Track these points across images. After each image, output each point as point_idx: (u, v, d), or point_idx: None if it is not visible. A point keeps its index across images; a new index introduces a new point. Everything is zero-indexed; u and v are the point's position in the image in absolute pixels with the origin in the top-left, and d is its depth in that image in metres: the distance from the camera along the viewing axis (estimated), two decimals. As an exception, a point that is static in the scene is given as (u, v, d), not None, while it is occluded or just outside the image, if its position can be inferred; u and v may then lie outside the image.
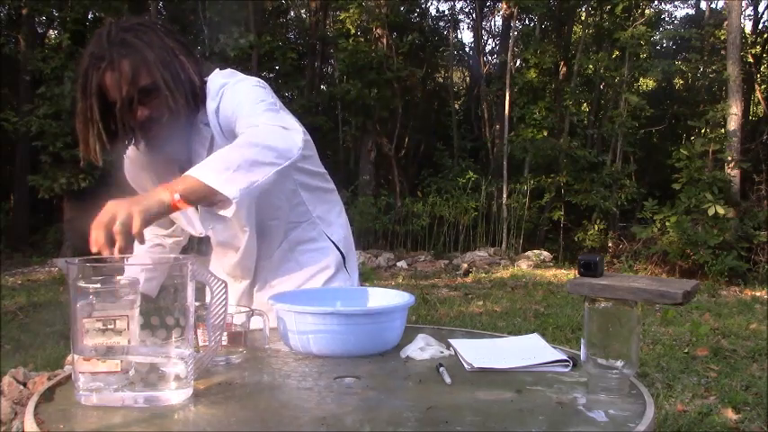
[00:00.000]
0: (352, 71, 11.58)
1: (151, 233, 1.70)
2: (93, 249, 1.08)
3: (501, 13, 13.45)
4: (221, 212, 1.23)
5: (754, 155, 11.00)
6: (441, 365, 1.10)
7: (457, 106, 14.28)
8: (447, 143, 12.50)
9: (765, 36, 13.72)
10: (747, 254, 8.54)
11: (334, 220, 1.62)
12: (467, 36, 29.61)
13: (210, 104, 1.41)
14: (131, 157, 1.52)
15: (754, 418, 3.13)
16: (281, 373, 1.10)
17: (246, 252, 1.55)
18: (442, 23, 14.72)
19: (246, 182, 1.19)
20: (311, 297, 1.35)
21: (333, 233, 1.61)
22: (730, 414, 3.16)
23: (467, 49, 16.00)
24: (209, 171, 1.18)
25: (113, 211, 1.09)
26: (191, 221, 1.55)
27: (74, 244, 9.17)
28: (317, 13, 12.74)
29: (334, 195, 1.66)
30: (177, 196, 1.15)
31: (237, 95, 1.39)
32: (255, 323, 1.25)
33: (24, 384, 2.56)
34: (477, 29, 14.10)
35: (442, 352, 1.20)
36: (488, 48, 15.86)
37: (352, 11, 11.65)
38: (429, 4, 16.04)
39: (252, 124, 1.30)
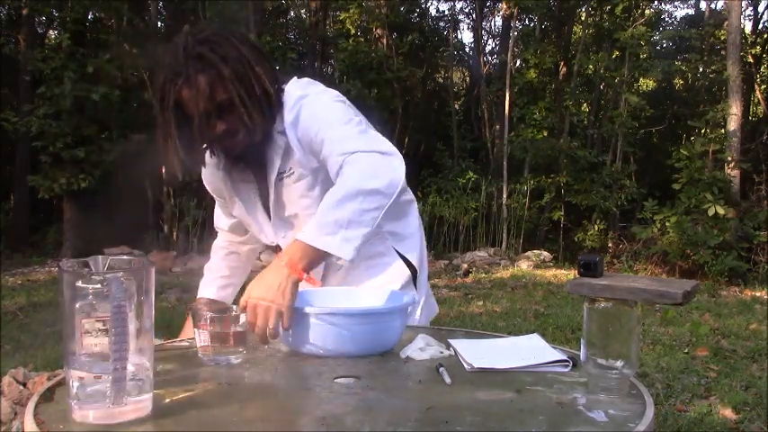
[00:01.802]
0: (352, 71, 11.58)
1: (226, 241, 1.71)
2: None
3: (501, 13, 13.45)
4: (338, 261, 1.28)
5: (754, 155, 11.00)
6: (441, 365, 1.10)
7: (457, 106, 14.27)
8: (447, 143, 12.50)
9: (765, 36, 13.72)
10: (747, 254, 8.54)
11: (408, 235, 1.56)
12: (467, 36, 29.65)
13: (288, 116, 1.39)
14: (209, 165, 1.51)
15: (754, 419, 3.13)
16: (281, 373, 1.10)
17: None
18: (442, 23, 14.73)
19: (360, 237, 1.21)
20: (311, 297, 1.35)
21: (404, 248, 1.55)
22: (730, 414, 3.16)
23: (467, 50, 16.00)
24: (321, 235, 1.20)
25: (265, 315, 1.17)
26: (263, 230, 1.54)
27: (74, 244, 9.17)
28: (317, 13, 12.74)
29: (410, 207, 1.59)
30: (305, 275, 1.20)
31: (320, 112, 1.37)
32: None
33: (24, 384, 2.56)
34: (477, 29, 14.11)
35: (441, 352, 1.20)
36: (488, 48, 15.87)
37: (352, 11, 11.65)
38: (429, 4, 16.05)
39: (347, 151, 1.28)
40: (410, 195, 1.59)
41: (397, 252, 1.55)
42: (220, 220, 1.69)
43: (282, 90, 1.42)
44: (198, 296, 1.70)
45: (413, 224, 1.59)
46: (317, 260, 1.23)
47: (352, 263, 1.24)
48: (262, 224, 1.53)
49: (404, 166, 1.29)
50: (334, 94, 1.43)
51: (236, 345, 1.17)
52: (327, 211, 1.22)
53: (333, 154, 1.31)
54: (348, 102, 1.44)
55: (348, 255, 1.21)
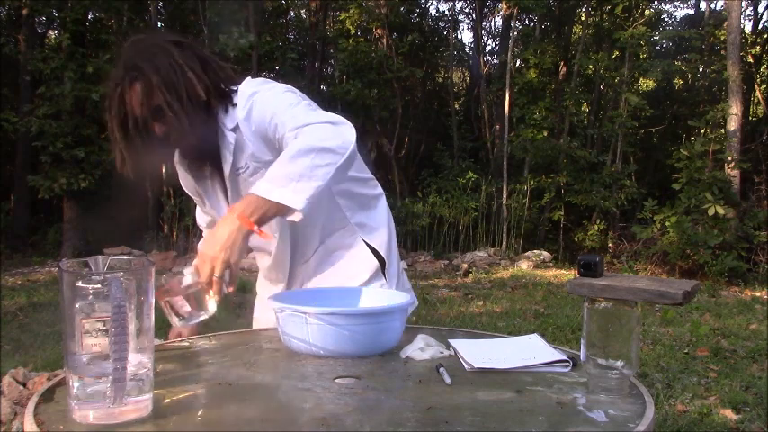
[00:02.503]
0: (352, 71, 11.58)
1: None
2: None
3: (501, 13, 13.46)
4: (289, 218, 1.28)
5: (754, 155, 11.00)
6: (441, 366, 1.10)
7: (457, 106, 14.27)
8: (447, 143, 12.50)
9: (765, 36, 13.72)
10: (747, 254, 8.54)
11: (376, 226, 1.61)
12: (467, 36, 29.62)
13: (240, 113, 1.45)
14: (180, 167, 1.60)
15: (754, 419, 3.13)
16: (281, 374, 1.10)
17: (279, 256, 1.58)
18: (442, 23, 14.73)
19: (311, 189, 1.25)
20: (311, 297, 1.35)
21: (372, 239, 1.59)
22: (730, 414, 3.16)
23: (467, 50, 16.01)
24: (273, 187, 1.24)
25: (211, 265, 1.21)
26: None
27: (74, 244, 9.17)
28: (317, 13, 12.74)
29: (378, 201, 1.64)
30: (255, 227, 1.22)
31: (271, 102, 1.43)
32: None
33: (24, 384, 2.56)
34: (477, 29, 14.11)
35: (441, 352, 1.20)
36: (488, 48, 15.88)
37: (352, 11, 11.65)
38: (429, 4, 16.07)
39: (299, 125, 1.34)
40: (378, 189, 1.65)
41: (366, 244, 1.59)
42: (200, 218, 1.76)
43: (235, 90, 1.49)
44: None
45: (381, 216, 1.63)
46: (269, 213, 1.25)
47: (303, 216, 1.26)
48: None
49: (354, 134, 1.33)
50: (284, 86, 1.50)
51: (197, 306, 1.20)
52: (279, 166, 1.28)
53: (286, 131, 1.37)
54: (299, 92, 1.50)
55: (299, 204, 1.23)
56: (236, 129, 1.46)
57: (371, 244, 1.59)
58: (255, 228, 1.23)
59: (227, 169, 1.50)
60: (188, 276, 1.23)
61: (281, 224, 1.49)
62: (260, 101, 1.45)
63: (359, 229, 1.58)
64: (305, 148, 1.27)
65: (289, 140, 1.35)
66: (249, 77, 1.54)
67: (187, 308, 1.22)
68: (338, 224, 1.57)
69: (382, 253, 1.59)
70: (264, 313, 1.69)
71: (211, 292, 1.22)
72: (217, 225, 1.26)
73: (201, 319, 1.24)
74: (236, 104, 1.47)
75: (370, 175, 1.64)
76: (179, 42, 1.47)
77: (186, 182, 1.65)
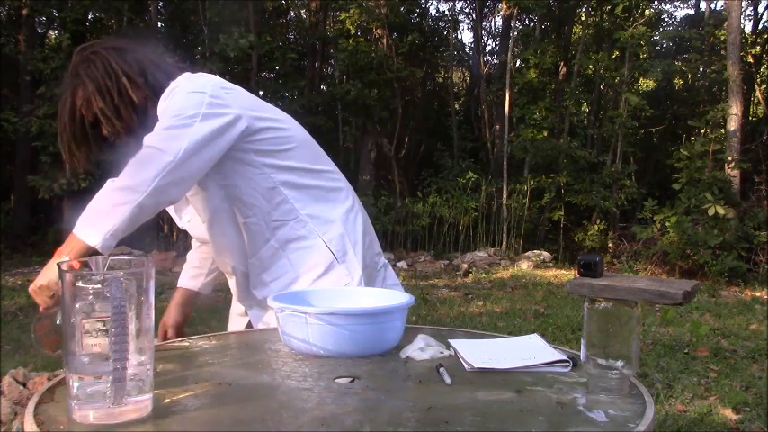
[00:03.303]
0: (352, 71, 11.58)
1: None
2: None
3: (501, 13, 13.46)
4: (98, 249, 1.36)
5: (754, 155, 11.00)
6: (441, 366, 1.10)
7: (457, 106, 14.27)
8: (447, 143, 12.51)
9: (765, 36, 13.72)
10: (747, 254, 8.54)
11: (330, 220, 1.59)
12: (467, 36, 29.62)
13: (160, 106, 1.50)
14: None
15: (754, 419, 3.13)
16: (281, 374, 1.10)
17: (217, 247, 1.63)
18: (442, 23, 14.73)
19: (110, 226, 1.34)
20: (311, 297, 1.35)
21: (325, 232, 1.58)
22: (730, 414, 3.16)
23: (467, 50, 16.02)
24: (82, 224, 1.35)
25: (36, 294, 1.33)
26: (174, 217, 1.73)
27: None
28: (317, 13, 12.74)
29: (337, 194, 1.63)
30: (65, 257, 1.31)
31: (171, 102, 1.48)
32: None
33: (24, 384, 2.56)
34: (477, 29, 14.11)
35: (442, 352, 1.20)
36: (488, 48, 15.88)
37: (352, 11, 11.65)
38: (429, 4, 16.08)
39: (143, 144, 1.42)
40: (339, 183, 1.65)
41: (319, 236, 1.59)
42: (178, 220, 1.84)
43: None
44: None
45: (337, 210, 1.61)
46: (77, 246, 1.33)
47: (104, 250, 1.34)
48: (172, 213, 1.74)
49: (168, 167, 1.38)
50: (200, 83, 1.51)
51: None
52: (93, 201, 1.38)
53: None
54: (214, 92, 1.48)
55: (93, 242, 1.33)
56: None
57: (322, 237, 1.58)
58: (66, 259, 1.29)
59: None
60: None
61: (206, 211, 1.58)
62: (168, 98, 1.49)
63: (310, 220, 1.57)
64: (112, 185, 1.38)
65: None
66: (188, 73, 1.56)
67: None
68: (287, 215, 1.56)
69: (331, 247, 1.57)
70: (235, 306, 1.77)
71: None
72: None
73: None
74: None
75: (331, 168, 1.65)
76: (120, 48, 1.54)
77: None
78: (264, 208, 1.55)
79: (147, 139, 1.42)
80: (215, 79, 1.54)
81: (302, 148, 1.60)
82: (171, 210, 1.73)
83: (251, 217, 1.55)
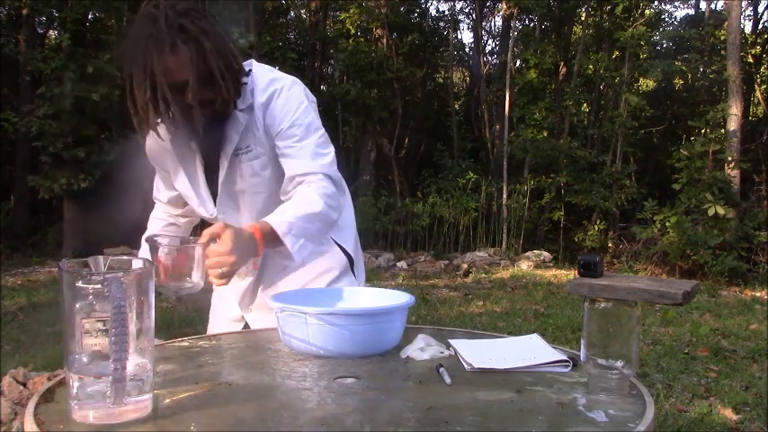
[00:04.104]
0: (352, 71, 11.58)
1: (165, 212, 1.70)
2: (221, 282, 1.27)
3: (501, 13, 13.46)
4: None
5: (754, 155, 11.00)
6: (441, 366, 1.10)
7: (457, 106, 14.27)
8: (447, 143, 12.50)
9: (765, 36, 13.72)
10: (747, 254, 8.54)
11: (343, 225, 1.61)
12: (467, 36, 29.61)
13: (259, 97, 1.45)
14: (154, 136, 1.47)
15: (754, 419, 3.13)
16: (281, 374, 1.10)
17: None
18: (442, 23, 14.72)
19: (309, 248, 1.39)
20: (311, 297, 1.35)
21: (340, 237, 1.61)
22: (730, 414, 3.16)
23: (467, 50, 16.01)
24: (290, 234, 1.34)
25: (225, 267, 1.24)
26: (204, 203, 1.55)
27: (74, 244, 9.16)
28: (317, 13, 12.74)
29: (344, 199, 1.64)
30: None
31: (293, 110, 1.46)
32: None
33: (24, 384, 2.56)
34: (477, 29, 14.11)
35: (442, 352, 1.20)
36: (488, 48, 15.88)
37: (352, 11, 11.65)
38: (429, 4, 16.09)
39: (312, 171, 1.43)
40: (346, 190, 1.66)
41: (334, 241, 1.61)
42: (160, 191, 1.67)
43: (249, 70, 1.47)
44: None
45: (348, 215, 1.66)
46: (273, 247, 1.35)
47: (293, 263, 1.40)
48: (204, 198, 1.54)
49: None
50: (301, 88, 1.51)
51: (188, 275, 1.21)
52: (304, 219, 1.37)
53: (301, 162, 1.45)
54: (314, 101, 1.52)
55: (298, 258, 1.37)
56: (247, 110, 1.45)
57: (339, 242, 1.61)
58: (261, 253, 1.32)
59: (229, 149, 1.46)
60: (197, 251, 1.22)
61: (256, 214, 1.52)
62: (283, 98, 1.45)
63: None
64: (323, 214, 1.40)
65: (297, 170, 1.44)
66: (253, 60, 1.52)
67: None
68: None
69: (350, 251, 1.62)
70: (221, 301, 1.72)
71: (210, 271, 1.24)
72: (243, 230, 1.27)
73: (187, 288, 1.22)
74: (245, 83, 1.44)
75: (339, 176, 1.64)
76: (210, 12, 1.42)
77: (158, 152, 1.55)
78: None
79: (315, 165, 1.44)
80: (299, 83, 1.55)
81: None
82: (196, 197, 1.55)
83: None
